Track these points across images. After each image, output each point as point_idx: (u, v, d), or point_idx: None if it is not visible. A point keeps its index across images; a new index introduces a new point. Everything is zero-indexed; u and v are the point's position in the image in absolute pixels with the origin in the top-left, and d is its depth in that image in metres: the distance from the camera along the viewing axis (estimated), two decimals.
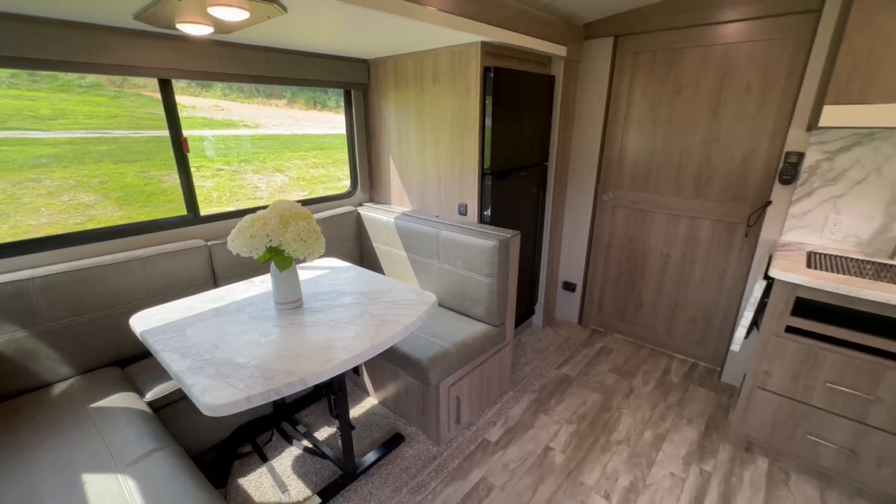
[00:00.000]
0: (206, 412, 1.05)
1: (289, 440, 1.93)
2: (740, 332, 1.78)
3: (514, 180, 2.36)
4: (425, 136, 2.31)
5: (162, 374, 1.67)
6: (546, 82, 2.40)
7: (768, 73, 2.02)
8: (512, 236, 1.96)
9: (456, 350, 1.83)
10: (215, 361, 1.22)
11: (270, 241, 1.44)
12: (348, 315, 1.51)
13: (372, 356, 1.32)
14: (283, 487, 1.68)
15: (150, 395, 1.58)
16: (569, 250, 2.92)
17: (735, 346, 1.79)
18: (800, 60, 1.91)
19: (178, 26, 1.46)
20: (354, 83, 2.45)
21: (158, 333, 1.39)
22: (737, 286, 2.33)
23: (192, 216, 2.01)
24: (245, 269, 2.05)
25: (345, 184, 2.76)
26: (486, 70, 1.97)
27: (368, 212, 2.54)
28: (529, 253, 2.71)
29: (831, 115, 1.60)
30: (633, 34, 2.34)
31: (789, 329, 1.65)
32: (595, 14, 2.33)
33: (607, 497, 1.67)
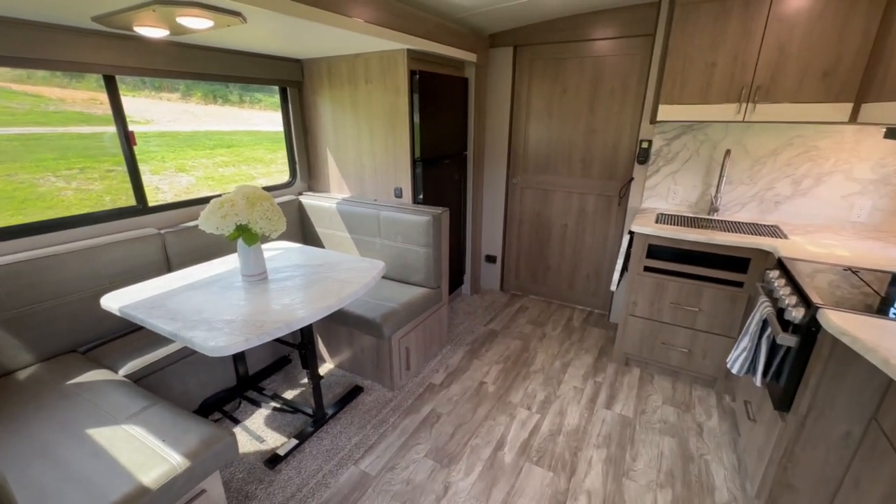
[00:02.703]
0: (210, 353, 1.29)
1: (256, 405, 2.13)
2: (616, 276, 2.38)
3: (440, 167, 2.76)
4: (360, 130, 2.61)
5: (130, 353, 1.79)
6: (461, 83, 2.83)
7: (625, 80, 2.66)
8: (443, 212, 2.36)
9: (403, 308, 2.19)
10: (206, 320, 1.44)
11: (240, 219, 1.66)
12: (311, 280, 1.79)
13: (341, 306, 1.63)
14: (260, 439, 1.91)
15: (124, 370, 1.70)
16: (488, 227, 3.42)
17: (613, 287, 2.39)
18: (644, 71, 2.57)
19: (136, 29, 1.61)
20: (289, 81, 2.65)
21: (138, 307, 1.55)
22: (616, 246, 3.00)
23: (142, 206, 2.10)
24: (197, 255, 2.18)
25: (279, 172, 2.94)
26: (412, 73, 2.34)
27: (310, 199, 2.77)
28: (455, 230, 3.14)
29: (664, 111, 2.23)
30: (528, 45, 2.87)
31: (646, 269, 2.27)
32: (497, 27, 2.81)
33: (529, 408, 2.16)
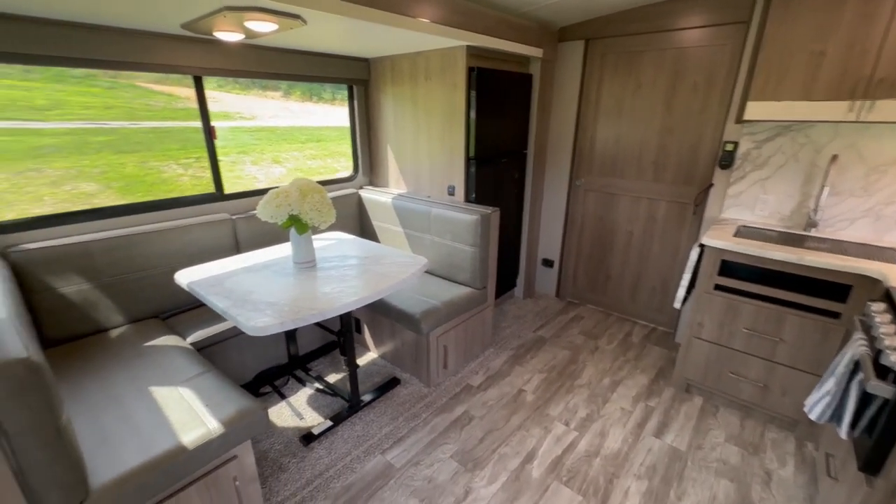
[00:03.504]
0: (249, 332, 1.40)
1: (302, 383, 2.28)
2: (680, 291, 2.15)
3: (497, 166, 2.70)
4: (419, 127, 2.65)
5: (199, 323, 2.01)
6: (525, 80, 2.74)
7: (711, 74, 2.37)
8: (492, 212, 2.30)
9: (444, 306, 2.19)
10: (252, 301, 1.57)
11: (292, 209, 1.78)
12: (354, 272, 1.86)
13: (374, 299, 1.67)
14: (300, 416, 2.04)
15: (191, 338, 1.92)
16: (547, 230, 3.28)
17: (676, 304, 2.15)
18: (735, 63, 2.26)
19: (216, 33, 1.78)
20: (356, 79, 2.77)
21: (203, 284, 1.73)
22: (688, 258, 2.70)
23: (219, 194, 2.34)
24: (263, 240, 2.38)
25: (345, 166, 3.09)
26: (470, 70, 2.31)
27: (369, 194, 2.88)
28: (511, 232, 3.06)
29: (752, 109, 1.96)
30: (600, 38, 2.68)
31: (717, 287, 2.01)
32: (567, 20, 2.66)
33: (567, 424, 2.04)
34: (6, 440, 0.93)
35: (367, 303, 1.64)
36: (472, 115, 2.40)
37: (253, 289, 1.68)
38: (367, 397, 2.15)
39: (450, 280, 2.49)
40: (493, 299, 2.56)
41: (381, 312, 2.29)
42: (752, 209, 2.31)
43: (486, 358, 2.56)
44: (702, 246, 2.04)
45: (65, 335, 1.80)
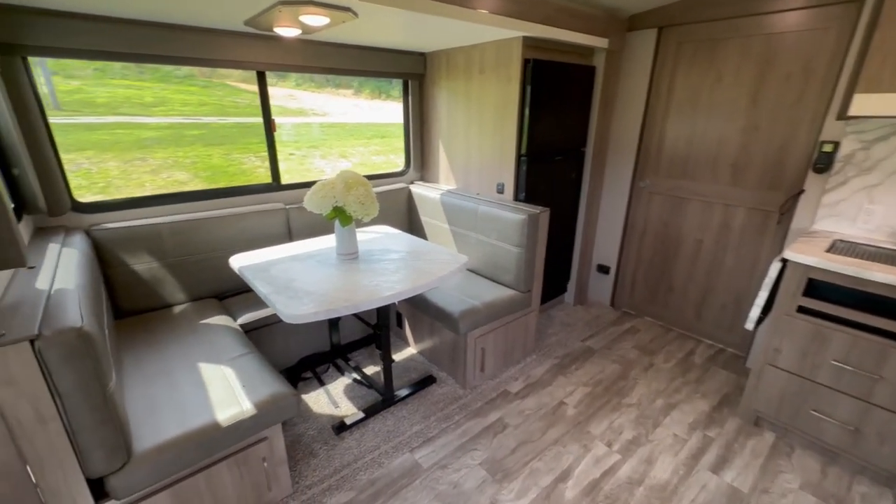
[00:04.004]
0: (285, 319, 1.43)
1: (341, 372, 2.33)
2: (754, 311, 1.88)
3: (550, 164, 2.56)
4: (471, 122, 2.58)
5: (250, 306, 2.12)
6: (586, 72, 2.56)
7: (810, 63, 2.04)
8: (541, 212, 2.18)
9: (484, 307, 2.11)
10: (292, 288, 1.61)
11: (336, 201, 1.80)
12: (393, 266, 1.84)
13: (408, 296, 1.64)
14: (335, 405, 2.08)
15: (241, 320, 2.03)
16: (604, 234, 3.06)
17: (749, 325, 1.90)
18: (841, 50, 1.93)
19: (275, 29, 1.85)
20: (412, 73, 2.77)
21: (252, 269, 1.81)
22: (767, 273, 2.37)
23: (276, 184, 2.45)
24: (314, 230, 2.46)
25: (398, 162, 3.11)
26: (525, 62, 2.20)
27: (418, 189, 2.87)
28: (564, 234, 2.90)
29: (861, 103, 1.66)
30: (677, 25, 2.43)
31: (801, 309, 1.74)
32: (639, 7, 2.44)
33: (609, 445, 1.88)
34: (59, 400, 1.02)
35: (401, 298, 1.62)
36: (527, 110, 2.29)
37: (296, 277, 1.72)
38: (402, 392, 2.14)
39: (493, 281, 2.41)
40: (539, 304, 2.44)
41: (421, 308, 2.27)
42: (852, 221, 1.97)
43: (528, 365, 2.45)
44: (784, 261, 1.77)
45: (134, 308, 1.99)
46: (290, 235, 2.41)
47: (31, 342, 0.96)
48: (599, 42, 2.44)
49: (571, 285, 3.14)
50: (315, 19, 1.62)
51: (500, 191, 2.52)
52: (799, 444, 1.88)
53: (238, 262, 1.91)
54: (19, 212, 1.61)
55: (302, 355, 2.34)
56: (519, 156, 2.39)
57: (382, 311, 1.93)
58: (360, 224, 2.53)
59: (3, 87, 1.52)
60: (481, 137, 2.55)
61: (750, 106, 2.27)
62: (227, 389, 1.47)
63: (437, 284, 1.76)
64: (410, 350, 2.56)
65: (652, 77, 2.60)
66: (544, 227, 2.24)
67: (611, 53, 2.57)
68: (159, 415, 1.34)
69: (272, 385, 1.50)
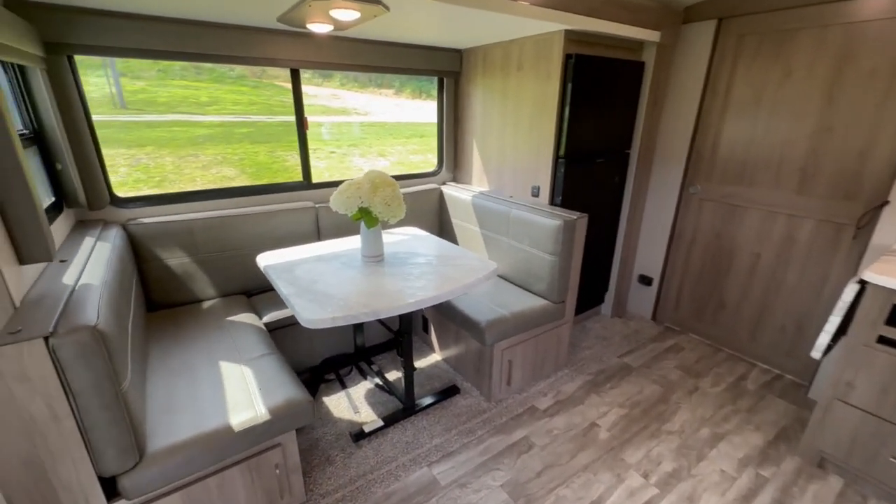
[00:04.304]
0: (303, 323, 1.38)
1: (364, 376, 2.28)
2: (823, 337, 1.66)
3: (591, 167, 2.39)
4: (506, 121, 2.47)
5: (277, 304, 2.11)
6: (634, 69, 2.38)
7: None
8: (578, 218, 2.04)
9: (513, 318, 1.99)
10: (314, 291, 1.56)
11: (362, 202, 1.75)
12: (419, 271, 1.77)
13: (432, 304, 1.56)
14: (355, 409, 2.03)
15: (266, 318, 2.02)
16: (647, 242, 2.85)
17: (815, 353, 1.67)
18: None
19: (308, 25, 1.82)
20: (447, 71, 2.68)
21: (276, 268, 1.79)
22: (839, 295, 2.10)
23: (307, 183, 2.45)
24: (342, 230, 2.43)
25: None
26: (567, 57, 2.06)
27: (450, 190, 2.78)
28: (604, 241, 2.72)
29: None
30: (739, 16, 2.20)
31: (882, 339, 1.50)
32: None
33: (646, 476, 1.71)
34: (73, 398, 1.02)
35: (424, 306, 1.54)
36: (566, 108, 2.14)
37: (318, 278, 1.68)
38: (424, 401, 2.06)
39: (524, 289, 2.28)
40: (573, 315, 2.28)
41: (447, 315, 2.18)
42: None
43: (558, 380, 2.30)
44: (863, 283, 1.54)
45: (166, 301, 2.02)
46: (318, 234, 2.39)
47: (46, 339, 0.95)
48: (650, 35, 2.25)
49: (609, 296, 2.95)
50: (345, 13, 1.57)
51: (535, 194, 2.39)
52: (873, 495, 1.64)
53: (265, 260, 1.89)
54: (60, 205, 1.66)
55: (326, 355, 2.32)
56: (556, 157, 2.25)
57: (405, 318, 1.85)
58: (386, 225, 2.47)
59: (49, 85, 1.57)
60: (516, 137, 2.42)
61: (824, 105, 2.02)
62: (244, 391, 1.45)
63: (464, 292, 1.67)
64: (435, 356, 2.48)
65: (708, 73, 2.38)
66: (581, 234, 2.09)
67: (662, 48, 2.37)
68: (176, 413, 1.33)
69: (288, 390, 1.46)
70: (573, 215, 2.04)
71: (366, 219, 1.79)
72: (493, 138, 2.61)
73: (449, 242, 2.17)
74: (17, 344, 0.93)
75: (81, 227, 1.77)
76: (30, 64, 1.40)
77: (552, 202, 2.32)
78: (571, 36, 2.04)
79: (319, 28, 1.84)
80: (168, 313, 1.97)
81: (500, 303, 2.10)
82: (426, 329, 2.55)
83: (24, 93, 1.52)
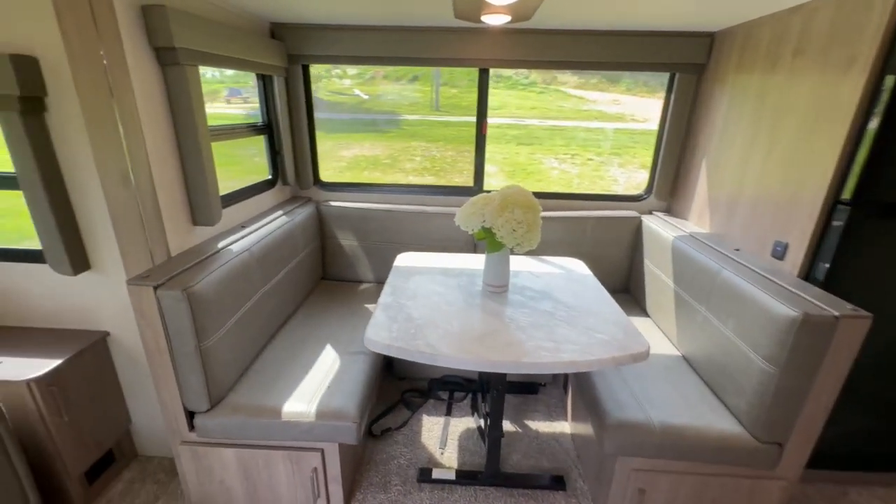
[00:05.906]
0: (364, 341, 1.28)
1: (474, 411, 2.03)
2: None
3: None
4: (756, 136, 1.61)
5: None
6: None
7: None
8: (845, 316, 1.13)
9: (661, 431, 1.31)
10: (401, 308, 1.44)
11: (485, 222, 1.48)
12: (531, 321, 1.36)
13: (505, 372, 1.17)
14: (442, 443, 1.83)
15: None
16: None
17: None
18: None
19: (483, 18, 1.64)
20: (685, 64, 1.97)
21: (400, 271, 1.76)
22: None
23: (476, 188, 2.33)
24: None
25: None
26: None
27: (653, 223, 2.09)
28: None
29: None
30: None
31: None
32: None
33: None
34: (169, 339, 1.25)
35: (492, 370, 1.18)
36: (874, 121, 1.19)
37: (418, 294, 1.55)
38: (514, 474, 1.66)
39: (713, 393, 1.48)
40: (798, 474, 1.33)
41: (581, 383, 1.66)
42: None
43: None
44: None
45: (335, 276, 2.33)
46: (475, 246, 2.25)
47: (154, 289, 1.19)
48: None
49: None
50: None
51: (779, 256, 1.48)
52: None
53: (401, 259, 1.90)
54: (275, 181, 2.12)
55: (446, 372, 2.18)
56: (834, 201, 1.30)
57: (488, 377, 1.49)
58: (515, 252, 2.08)
59: (284, 88, 2.00)
60: (766, 162, 1.55)
61: None
62: (318, 383, 1.48)
63: (561, 370, 1.19)
64: (564, 426, 1.96)
65: None
66: (848, 346, 1.16)
67: None
68: (262, 382, 1.47)
69: (345, 402, 1.39)
70: (835, 309, 1.14)
71: (489, 241, 1.52)
72: (730, 160, 1.78)
73: (604, 291, 1.62)
74: (139, 287, 1.19)
75: (291, 201, 2.22)
76: (276, 74, 1.80)
77: (807, 275, 1.39)
78: None
79: (495, 20, 1.64)
80: (333, 285, 2.27)
81: (654, 399, 1.42)
82: (565, 386, 2.05)
83: (265, 93, 1.98)
